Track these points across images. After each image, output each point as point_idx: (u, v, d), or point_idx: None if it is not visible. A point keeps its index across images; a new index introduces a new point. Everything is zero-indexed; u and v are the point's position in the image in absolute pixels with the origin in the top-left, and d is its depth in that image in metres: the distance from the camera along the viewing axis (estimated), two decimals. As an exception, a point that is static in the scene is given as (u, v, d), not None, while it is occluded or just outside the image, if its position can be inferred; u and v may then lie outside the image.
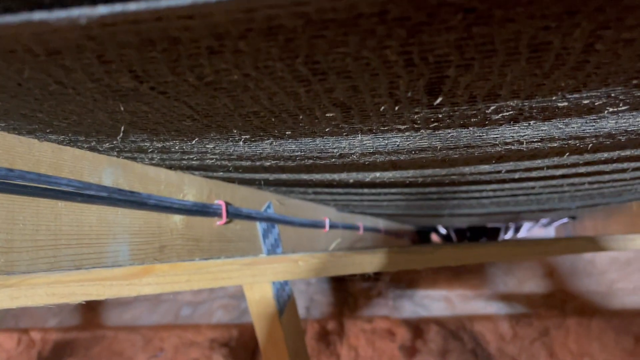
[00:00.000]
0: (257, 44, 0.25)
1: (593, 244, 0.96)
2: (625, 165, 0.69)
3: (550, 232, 4.08)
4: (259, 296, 1.06)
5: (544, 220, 3.32)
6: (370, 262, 0.85)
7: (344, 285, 3.78)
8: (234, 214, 0.92)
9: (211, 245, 0.86)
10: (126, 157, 0.64)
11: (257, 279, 0.86)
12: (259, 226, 1.07)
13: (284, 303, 1.14)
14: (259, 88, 0.31)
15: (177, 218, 0.76)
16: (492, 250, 0.79)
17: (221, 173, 0.76)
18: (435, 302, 3.39)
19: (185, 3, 0.21)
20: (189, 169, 0.74)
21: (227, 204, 0.91)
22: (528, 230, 3.80)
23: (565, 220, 3.25)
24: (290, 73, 0.28)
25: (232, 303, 3.07)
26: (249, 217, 0.98)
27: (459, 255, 0.77)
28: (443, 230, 3.92)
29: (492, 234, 3.83)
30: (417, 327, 3.36)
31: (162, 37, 0.24)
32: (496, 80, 0.30)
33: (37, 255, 0.51)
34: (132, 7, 0.21)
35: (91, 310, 3.98)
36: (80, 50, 0.25)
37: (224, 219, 0.87)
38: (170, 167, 0.73)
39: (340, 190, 0.99)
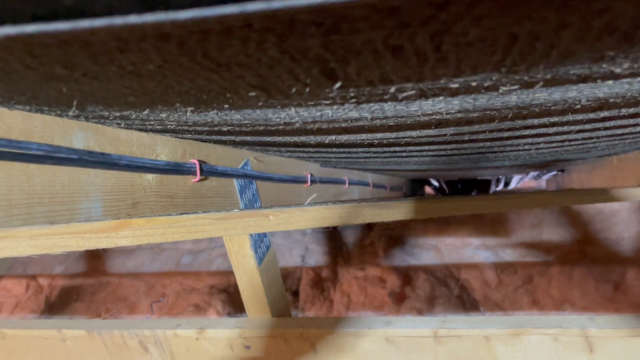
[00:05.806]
0: (155, 44, 0.29)
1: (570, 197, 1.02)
2: (565, 128, 0.74)
3: (541, 184, 4.14)
4: (238, 247, 1.14)
5: (533, 173, 3.37)
6: (339, 215, 0.92)
7: (338, 235, 3.90)
8: (208, 172, 0.98)
9: (186, 202, 0.92)
10: (96, 122, 0.68)
11: (229, 232, 0.93)
12: (236, 183, 1.13)
13: (263, 254, 1.22)
14: (177, 75, 0.36)
15: (150, 176, 0.82)
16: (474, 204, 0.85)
17: (189, 135, 0.81)
18: (425, 251, 3.51)
19: (84, 26, 0.25)
20: (159, 131, 0.79)
21: (202, 162, 0.97)
22: (519, 182, 3.87)
23: (554, 172, 3.30)
24: (197, 64, 0.33)
25: (228, 252, 3.17)
26: (225, 174, 1.04)
27: (423, 209, 0.83)
28: (435, 183, 3.99)
29: (483, 186, 3.90)
30: (406, 275, 3.50)
31: (75, 41, 0.28)
32: (379, 70, 0.34)
33: (11, 212, 0.57)
34: (61, 26, 0.26)
35: (96, 258, 4.14)
36: (9, 50, 0.30)
37: (198, 176, 0.93)
38: (141, 130, 0.78)
39: (311, 149, 1.05)
